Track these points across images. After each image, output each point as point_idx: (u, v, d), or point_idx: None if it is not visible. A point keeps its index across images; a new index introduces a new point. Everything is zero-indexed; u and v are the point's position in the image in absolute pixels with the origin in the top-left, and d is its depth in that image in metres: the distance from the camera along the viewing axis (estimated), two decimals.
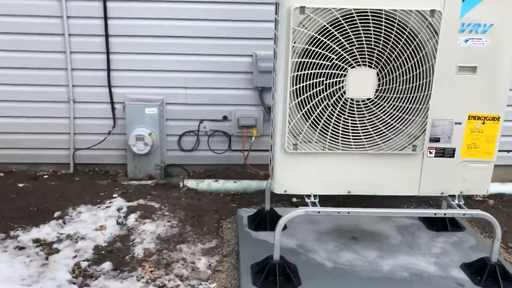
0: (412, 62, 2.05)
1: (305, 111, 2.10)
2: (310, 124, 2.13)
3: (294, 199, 3.23)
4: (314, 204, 2.24)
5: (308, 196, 2.27)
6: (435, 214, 2.23)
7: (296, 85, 2.07)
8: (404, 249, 2.54)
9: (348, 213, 2.19)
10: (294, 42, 2.00)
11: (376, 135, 2.15)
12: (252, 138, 3.36)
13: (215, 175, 3.45)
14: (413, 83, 2.08)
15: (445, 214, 2.23)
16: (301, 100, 2.09)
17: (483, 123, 2.19)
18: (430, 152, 2.23)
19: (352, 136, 2.15)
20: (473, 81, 2.12)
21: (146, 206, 2.95)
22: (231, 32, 3.23)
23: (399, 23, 2.00)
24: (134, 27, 3.19)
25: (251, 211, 2.91)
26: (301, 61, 2.03)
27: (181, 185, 3.25)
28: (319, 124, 2.13)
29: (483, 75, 2.11)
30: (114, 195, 3.08)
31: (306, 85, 2.06)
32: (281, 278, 2.17)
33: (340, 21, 1.98)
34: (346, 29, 1.99)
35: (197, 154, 3.49)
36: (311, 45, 2.02)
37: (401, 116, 2.13)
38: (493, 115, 2.18)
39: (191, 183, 3.27)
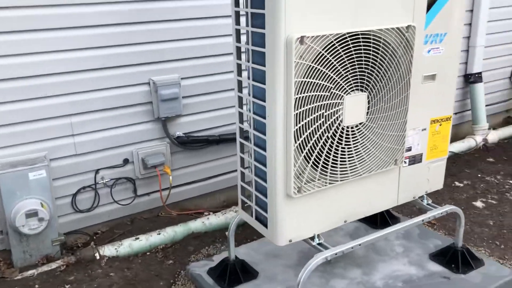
0: (395, 79, 2.01)
1: (308, 150, 1.87)
2: (312, 163, 1.91)
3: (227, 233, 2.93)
4: (320, 245, 2.05)
5: (312, 238, 2.06)
6: (423, 221, 2.30)
7: (298, 123, 1.81)
8: (375, 256, 2.57)
9: (360, 245, 2.08)
10: (296, 77, 1.74)
11: (368, 158, 2.07)
12: (169, 177, 2.90)
13: (129, 231, 2.87)
14: (395, 99, 2.05)
15: (429, 218, 2.32)
16: (303, 138, 1.84)
17: (440, 125, 2.33)
18: (405, 162, 2.27)
19: (349, 163, 2.02)
20: (433, 88, 2.21)
21: None
22: (121, 59, 2.66)
23: (384, 43, 1.93)
24: None
25: (206, 264, 2.51)
26: (303, 96, 1.78)
27: (98, 257, 2.59)
28: (320, 160, 1.93)
29: (440, 81, 2.22)
30: None
31: (308, 121, 1.83)
32: None
33: (335, 47, 1.80)
34: (341, 54, 1.82)
35: (98, 211, 2.84)
36: (310, 77, 1.79)
37: (386, 134, 2.09)
38: (447, 116, 2.33)
39: (109, 251, 2.64)
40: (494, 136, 4.36)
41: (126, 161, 2.85)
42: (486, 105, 4.43)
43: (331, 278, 2.39)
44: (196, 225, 2.92)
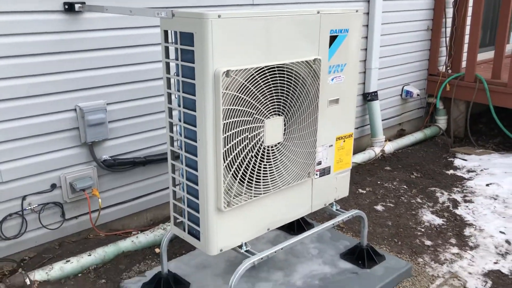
0: (305, 104, 2.34)
1: (235, 168, 2.12)
2: (239, 179, 2.16)
3: (157, 250, 3.08)
4: (248, 251, 2.30)
5: (240, 246, 2.30)
6: (333, 225, 2.64)
7: (226, 145, 2.06)
8: (294, 259, 2.87)
9: (282, 249, 2.36)
10: (224, 105, 1.99)
11: (286, 172, 2.37)
12: (99, 200, 2.99)
13: (58, 255, 2.91)
14: (306, 121, 2.38)
15: (338, 222, 2.66)
16: (231, 158, 2.09)
17: (344, 141, 2.70)
18: (316, 175, 2.60)
19: (270, 178, 2.30)
20: (337, 110, 2.58)
21: None
22: (46, 87, 2.73)
23: (295, 74, 2.25)
24: None
25: (139, 280, 2.65)
26: (230, 122, 2.04)
27: (28, 282, 2.61)
28: (246, 176, 2.18)
29: (342, 104, 2.59)
30: None
31: (235, 143, 2.08)
32: None
33: (256, 78, 2.08)
34: (261, 84, 2.11)
35: (26, 237, 2.85)
36: (235, 105, 2.05)
37: (300, 151, 2.40)
38: (349, 133, 2.72)
39: (39, 275, 2.67)
40: (390, 147, 4.94)
41: (53, 186, 2.89)
42: (383, 120, 5.02)
43: (256, 282, 2.65)
44: (126, 244, 3.03)
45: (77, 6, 2.71)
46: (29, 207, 2.82)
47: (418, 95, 5.35)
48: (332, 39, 2.42)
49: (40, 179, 2.83)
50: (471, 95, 5.20)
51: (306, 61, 2.27)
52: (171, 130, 2.27)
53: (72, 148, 2.92)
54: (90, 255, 2.88)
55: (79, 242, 3.08)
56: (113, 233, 3.19)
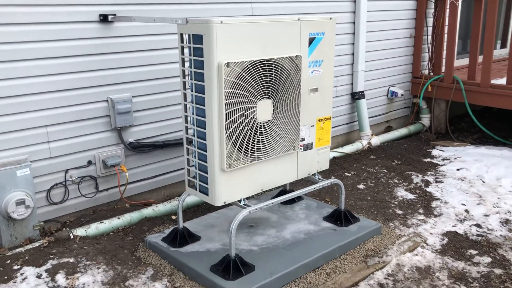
0: (289, 90, 3.00)
1: (235, 138, 2.78)
2: (238, 147, 2.82)
3: (173, 217, 3.73)
4: (245, 205, 2.94)
5: (239, 201, 2.95)
6: (315, 189, 3.28)
7: (227, 119, 2.72)
8: (285, 221, 3.51)
9: (272, 203, 3.01)
10: (225, 88, 2.66)
11: (275, 144, 3.02)
12: (126, 174, 3.66)
13: (93, 218, 3.57)
14: (291, 104, 3.04)
15: (319, 186, 3.30)
16: (231, 130, 2.75)
17: (323, 123, 3.36)
18: (301, 149, 3.25)
19: (262, 148, 2.96)
20: (316, 97, 3.24)
21: (63, 264, 2.94)
22: (85, 82, 3.42)
23: (281, 66, 2.91)
24: None
25: (159, 236, 3.29)
26: (230, 102, 2.70)
27: (72, 237, 3.27)
28: (243, 145, 2.84)
29: (321, 92, 3.25)
30: (15, 267, 2.90)
31: (234, 118, 2.75)
32: (243, 268, 2.82)
33: (250, 69, 2.75)
34: (253, 74, 2.78)
35: (68, 203, 3.52)
36: (234, 89, 2.71)
37: (287, 128, 3.06)
38: (328, 117, 3.37)
39: (80, 232, 3.33)
40: (376, 140, 5.58)
41: (89, 163, 3.57)
42: (371, 117, 5.67)
43: (254, 236, 3.29)
44: (148, 211, 3.69)
45: (109, 17, 3.41)
46: (70, 179, 3.49)
47: (402, 95, 5.99)
48: (311, 40, 3.08)
49: (79, 156, 3.51)
50: (450, 94, 5.83)
51: (289, 56, 2.94)
52: (186, 111, 2.93)
53: (105, 132, 3.60)
54: (119, 218, 3.54)
55: (109, 210, 3.74)
56: (137, 202, 3.85)
